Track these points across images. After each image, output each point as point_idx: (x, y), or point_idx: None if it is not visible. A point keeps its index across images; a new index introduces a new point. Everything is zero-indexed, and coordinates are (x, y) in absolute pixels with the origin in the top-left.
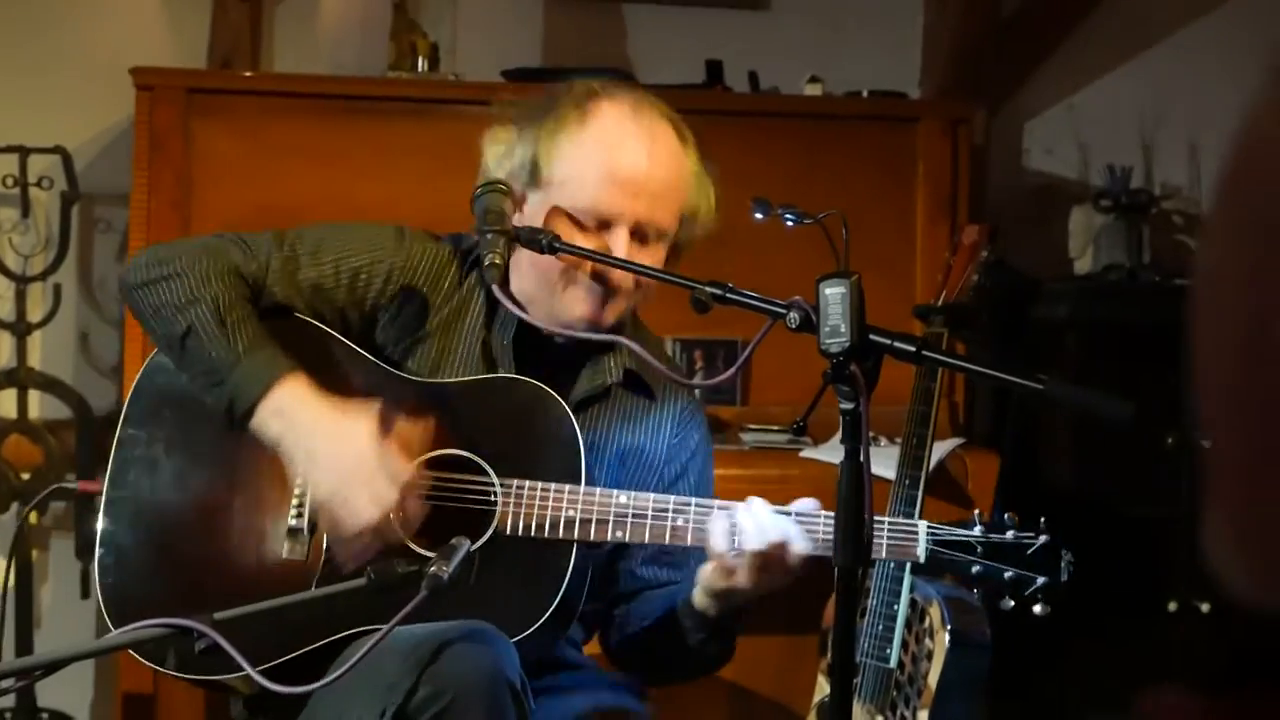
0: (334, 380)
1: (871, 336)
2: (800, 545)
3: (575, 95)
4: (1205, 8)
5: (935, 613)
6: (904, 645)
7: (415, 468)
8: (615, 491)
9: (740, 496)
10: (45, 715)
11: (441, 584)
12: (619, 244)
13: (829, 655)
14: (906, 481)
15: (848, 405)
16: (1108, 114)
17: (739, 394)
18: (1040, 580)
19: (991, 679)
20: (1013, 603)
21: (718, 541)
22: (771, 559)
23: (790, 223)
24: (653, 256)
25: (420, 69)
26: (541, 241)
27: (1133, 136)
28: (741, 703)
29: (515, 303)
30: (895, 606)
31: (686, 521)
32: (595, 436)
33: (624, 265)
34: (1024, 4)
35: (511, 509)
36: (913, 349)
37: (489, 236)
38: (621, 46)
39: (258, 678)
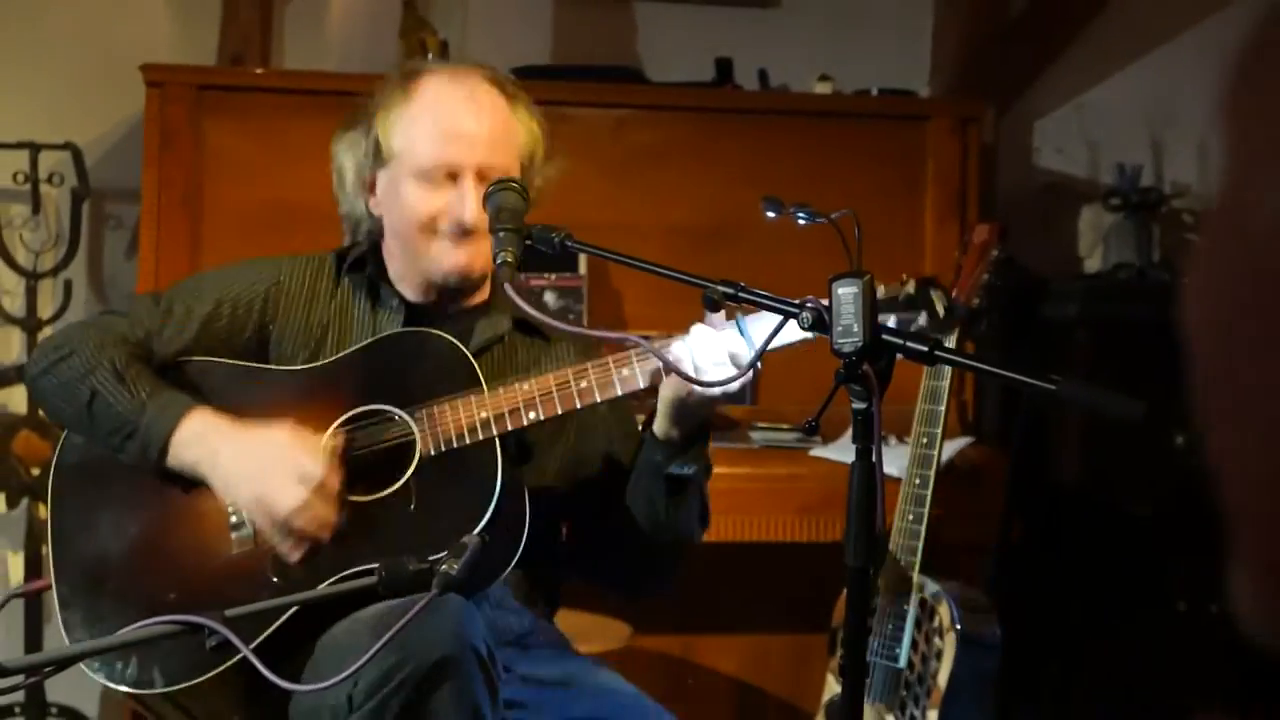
0: (238, 396)
1: (884, 336)
2: (740, 346)
3: (398, 78)
4: (1214, 6)
5: (944, 612)
6: (913, 645)
7: (329, 436)
8: (516, 382)
9: (751, 496)
10: (55, 710)
11: (452, 582)
12: (468, 192)
13: (839, 654)
14: (916, 480)
15: (860, 405)
16: (1117, 112)
17: (749, 393)
18: (921, 317)
19: (1000, 678)
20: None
21: (678, 351)
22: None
23: (803, 221)
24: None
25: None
26: (554, 239)
27: (1142, 135)
28: (750, 701)
29: (524, 300)
30: (905, 606)
31: (590, 381)
32: (498, 378)
33: (638, 264)
34: (1033, 3)
35: (428, 431)
36: (925, 349)
37: (501, 235)
38: (631, 44)
39: (266, 672)
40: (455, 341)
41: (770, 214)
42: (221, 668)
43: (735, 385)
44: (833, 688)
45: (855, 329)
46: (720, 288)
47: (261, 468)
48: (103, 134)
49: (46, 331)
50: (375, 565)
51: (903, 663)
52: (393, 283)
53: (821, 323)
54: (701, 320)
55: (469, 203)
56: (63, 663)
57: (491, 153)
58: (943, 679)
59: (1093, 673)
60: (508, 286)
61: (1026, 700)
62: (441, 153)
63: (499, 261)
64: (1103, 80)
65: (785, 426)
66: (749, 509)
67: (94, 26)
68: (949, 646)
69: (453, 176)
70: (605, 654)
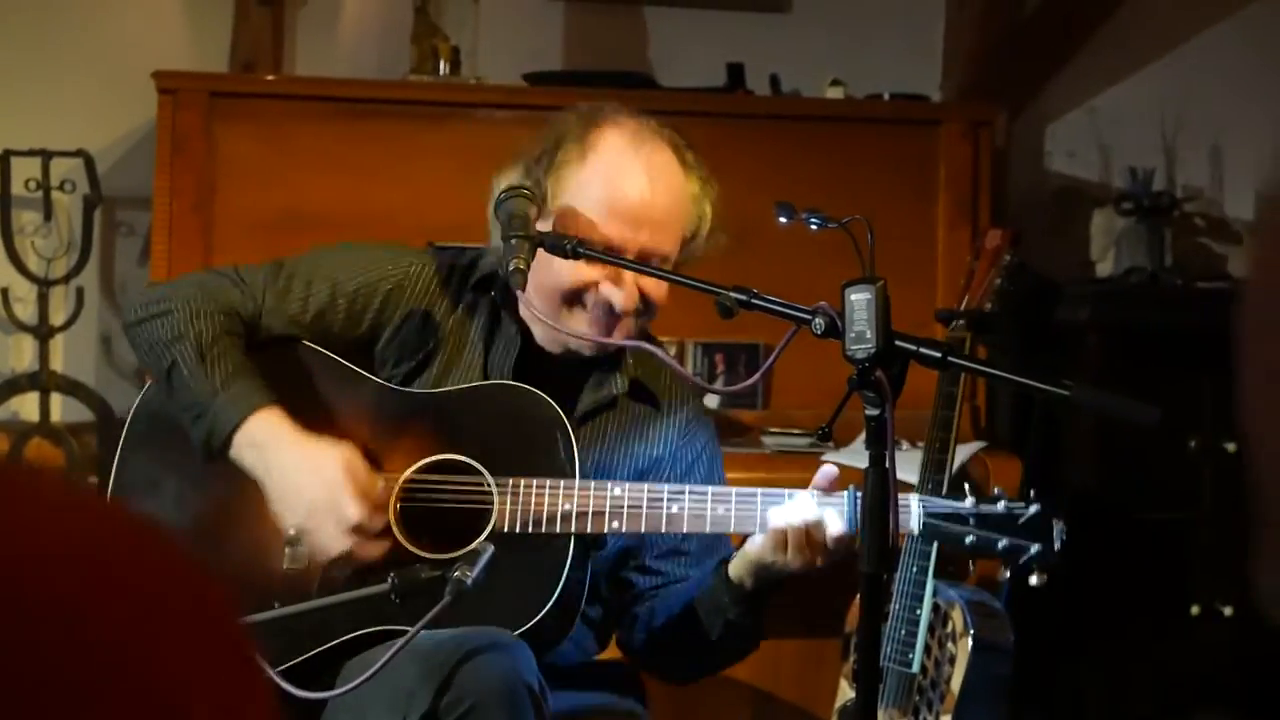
0: (324, 399)
1: (897, 343)
2: (836, 528)
3: (577, 126)
4: (1227, 11)
5: (958, 617)
6: (926, 650)
7: (394, 480)
8: (609, 483)
9: None
10: None
11: (465, 589)
12: (628, 283)
13: (852, 659)
14: (930, 486)
15: (873, 411)
16: (1129, 116)
17: (760, 398)
18: (1034, 548)
19: (1014, 683)
20: (1008, 573)
21: (772, 517)
22: (814, 538)
23: (815, 227)
24: (658, 285)
25: (441, 72)
26: (566, 247)
27: (1154, 139)
28: (763, 706)
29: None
30: (918, 611)
31: (681, 509)
32: (602, 449)
33: (650, 271)
34: (1044, 6)
35: (509, 506)
36: (939, 355)
37: (513, 243)
38: (643, 50)
39: (282, 684)
40: (562, 414)
41: (782, 219)
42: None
43: (828, 535)
44: (846, 693)
45: (868, 335)
46: (733, 294)
47: (314, 504)
48: (115, 141)
49: (58, 340)
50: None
51: (916, 668)
52: (519, 316)
53: (834, 329)
54: (714, 322)
55: (625, 289)
56: None
57: (655, 237)
58: (956, 684)
59: (1106, 677)
60: (520, 295)
61: (1040, 705)
62: (605, 231)
63: (510, 269)
64: (1114, 84)
65: (797, 431)
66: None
67: (106, 34)
68: (962, 652)
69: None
70: (620, 661)
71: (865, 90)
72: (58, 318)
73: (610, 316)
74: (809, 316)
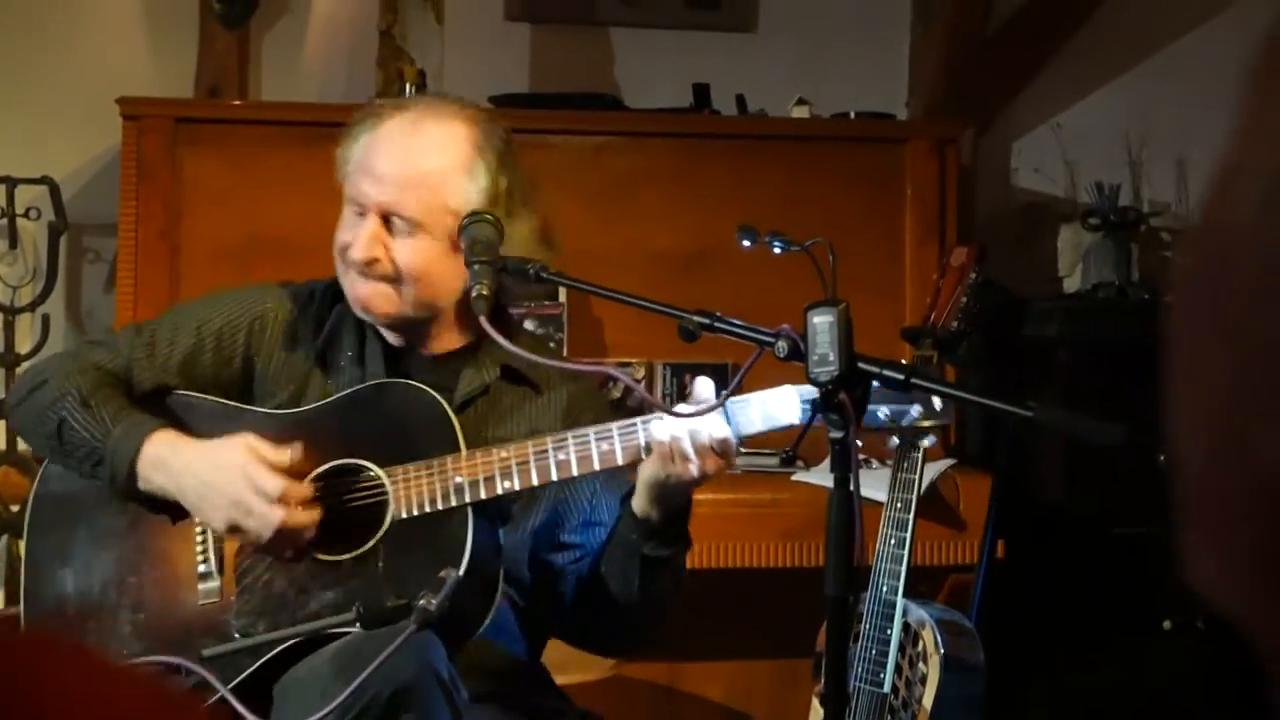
0: (212, 435)
1: (860, 365)
2: (719, 429)
3: (370, 110)
4: (1189, 25)
5: (928, 636)
6: (898, 669)
7: (285, 478)
8: (494, 448)
9: (734, 522)
10: None
11: (431, 616)
12: (364, 231)
13: (823, 680)
14: (898, 504)
15: (837, 434)
16: (1094, 132)
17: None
18: (915, 409)
19: (987, 701)
20: (896, 440)
21: (656, 432)
22: (698, 444)
23: (778, 250)
24: (411, 248)
25: (407, 96)
26: (529, 271)
27: (1120, 154)
28: None
29: (500, 333)
30: (888, 631)
31: (567, 454)
32: (484, 431)
33: (612, 295)
34: (1009, 24)
35: (402, 492)
36: (901, 377)
37: (476, 268)
38: (609, 70)
39: (245, 711)
40: (438, 398)
41: (746, 243)
42: None
43: (709, 436)
44: (818, 712)
45: (831, 358)
46: (696, 318)
47: (228, 493)
48: (80, 167)
49: (24, 367)
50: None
51: (887, 688)
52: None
53: (797, 352)
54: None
55: (360, 237)
56: None
57: (398, 196)
58: (928, 703)
59: (1079, 693)
60: (483, 320)
61: None
62: (356, 187)
63: (475, 294)
64: (1080, 100)
65: (767, 451)
66: (731, 535)
67: (70, 60)
68: (933, 671)
69: (362, 213)
70: (591, 683)
71: (831, 109)
72: (24, 345)
73: (362, 269)
74: (772, 340)
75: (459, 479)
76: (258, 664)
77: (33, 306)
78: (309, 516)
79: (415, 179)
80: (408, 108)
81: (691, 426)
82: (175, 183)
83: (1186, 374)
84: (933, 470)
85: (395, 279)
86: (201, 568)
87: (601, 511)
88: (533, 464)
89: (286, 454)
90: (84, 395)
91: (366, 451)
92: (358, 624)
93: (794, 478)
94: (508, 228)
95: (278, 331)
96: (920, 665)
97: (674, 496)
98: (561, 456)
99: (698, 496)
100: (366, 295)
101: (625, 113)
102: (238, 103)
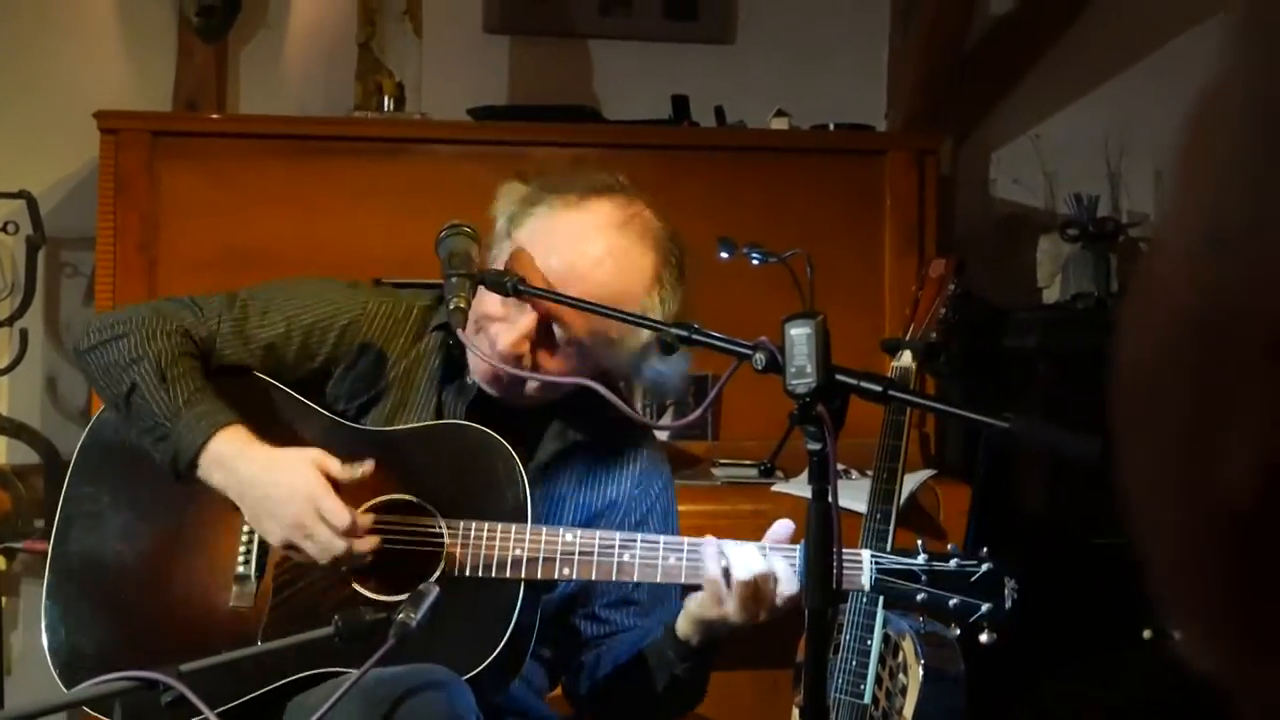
0: (281, 432)
1: (838, 377)
2: (787, 585)
3: (593, 182)
4: (1168, 35)
5: (909, 647)
6: (878, 681)
7: (353, 509)
8: (561, 529)
9: (713, 533)
10: None
11: (410, 631)
12: (522, 326)
13: (803, 691)
14: (878, 515)
15: (815, 446)
16: (1073, 143)
17: (710, 429)
18: (984, 607)
19: (967, 712)
20: (959, 630)
21: (710, 568)
22: (761, 592)
23: (756, 262)
24: (557, 361)
25: (386, 109)
26: (506, 284)
27: (1099, 165)
28: None
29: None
30: (868, 642)
31: (633, 557)
32: (558, 493)
33: (590, 308)
34: (988, 35)
35: (459, 550)
36: (879, 389)
37: (453, 280)
38: (588, 83)
39: None
40: (516, 460)
41: (724, 255)
42: None
43: (779, 593)
44: None
45: (808, 370)
46: (674, 330)
47: (289, 511)
48: (57, 181)
49: (3, 382)
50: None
51: (868, 699)
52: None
53: (775, 364)
54: None
55: (516, 330)
56: None
57: (577, 316)
58: (908, 714)
59: (1059, 704)
60: (461, 333)
61: None
62: (536, 276)
63: (451, 307)
64: (1058, 111)
65: (748, 463)
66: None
67: (47, 74)
68: (914, 682)
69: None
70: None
71: (810, 121)
72: (2, 360)
73: (494, 352)
74: (749, 352)
75: (518, 553)
76: (265, 690)
77: (11, 321)
78: (369, 547)
79: (602, 297)
80: (617, 199)
81: (759, 570)
82: (153, 196)
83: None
84: (912, 481)
85: (525, 378)
86: (240, 569)
87: (641, 591)
88: (596, 558)
89: (357, 472)
90: (162, 365)
91: (432, 493)
92: (336, 638)
93: (774, 489)
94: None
95: (368, 338)
96: (900, 676)
97: (720, 630)
98: (626, 559)
99: (680, 509)
100: (492, 379)
101: (604, 125)
102: (216, 116)
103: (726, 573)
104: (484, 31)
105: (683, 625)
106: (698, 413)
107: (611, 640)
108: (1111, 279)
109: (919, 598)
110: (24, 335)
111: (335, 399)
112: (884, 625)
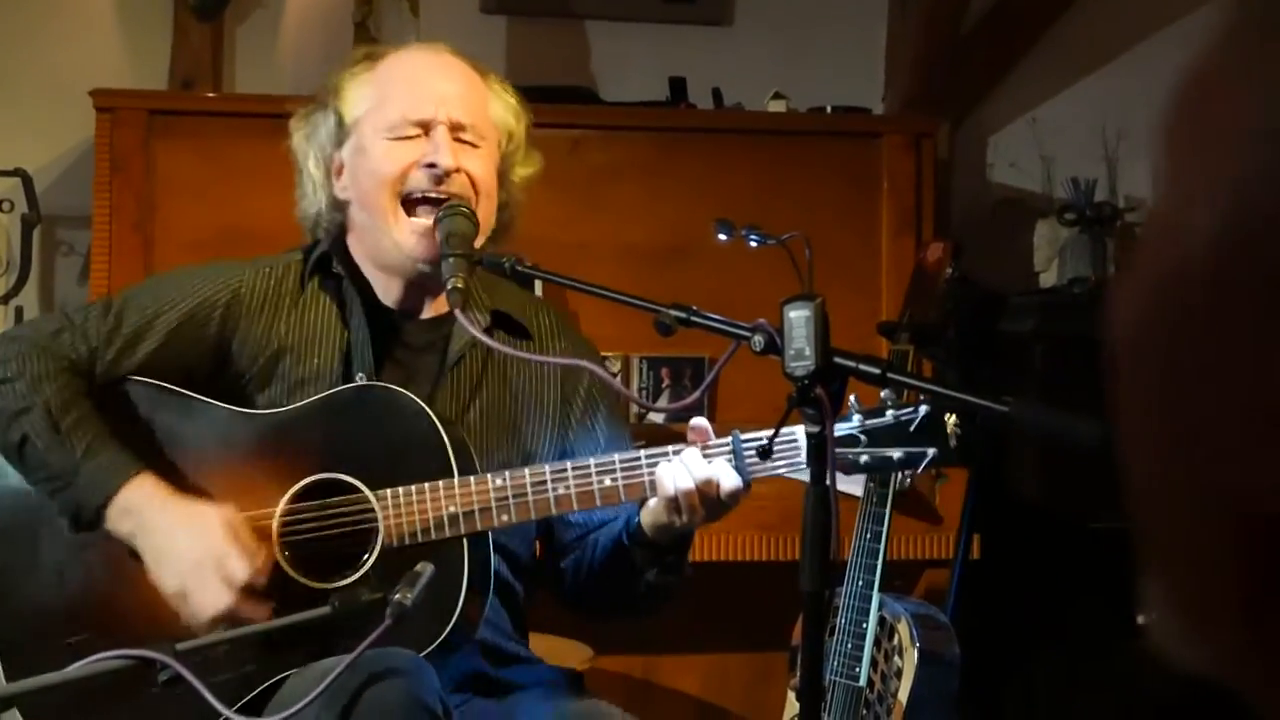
0: (184, 441)
1: (836, 359)
2: (730, 480)
3: (360, 56)
4: (1166, 19)
5: (904, 630)
6: (873, 663)
7: (277, 514)
8: (490, 476)
9: None
10: None
11: (406, 611)
12: (442, 143)
13: (798, 673)
14: (874, 499)
15: (813, 429)
16: (1071, 127)
17: (706, 411)
18: (930, 452)
19: (963, 695)
20: (909, 480)
21: (646, 484)
22: (705, 495)
23: (754, 244)
24: (483, 160)
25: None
26: (504, 264)
27: (1096, 149)
28: (710, 719)
29: (479, 326)
30: (864, 625)
31: (568, 489)
32: (480, 390)
33: (587, 289)
34: (986, 18)
35: (392, 520)
36: (877, 371)
37: (451, 261)
38: (585, 64)
39: (222, 708)
40: (426, 410)
41: (722, 236)
42: None
43: (718, 487)
44: (793, 706)
45: (807, 352)
46: (672, 312)
47: (189, 563)
48: (53, 160)
49: None
50: (331, 599)
51: (863, 681)
52: (365, 279)
53: (773, 346)
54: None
55: (441, 148)
56: (5, 703)
57: (465, 109)
58: (903, 697)
59: (1054, 687)
60: (459, 313)
61: (988, 717)
62: (410, 103)
63: (449, 287)
64: (1056, 95)
65: None
66: (707, 528)
67: (43, 52)
68: (909, 665)
69: (425, 131)
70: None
71: (807, 103)
72: None
73: (437, 183)
74: (748, 334)
75: (453, 509)
76: (263, 687)
77: (6, 299)
78: (257, 613)
79: (474, 96)
80: (404, 49)
81: (700, 475)
82: (149, 175)
83: (1142, 408)
84: None
85: (470, 198)
86: (171, 592)
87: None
88: (531, 498)
89: (274, 500)
90: (54, 414)
91: (352, 465)
92: (333, 619)
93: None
94: (529, 164)
95: (256, 303)
96: (896, 659)
97: (680, 533)
98: (561, 491)
99: None
100: (428, 233)
101: (601, 106)
102: (212, 95)
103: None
104: (481, 12)
105: (647, 523)
106: (695, 395)
107: (587, 540)
108: (1109, 263)
109: (862, 460)
110: (19, 314)
111: (239, 374)
112: (880, 608)
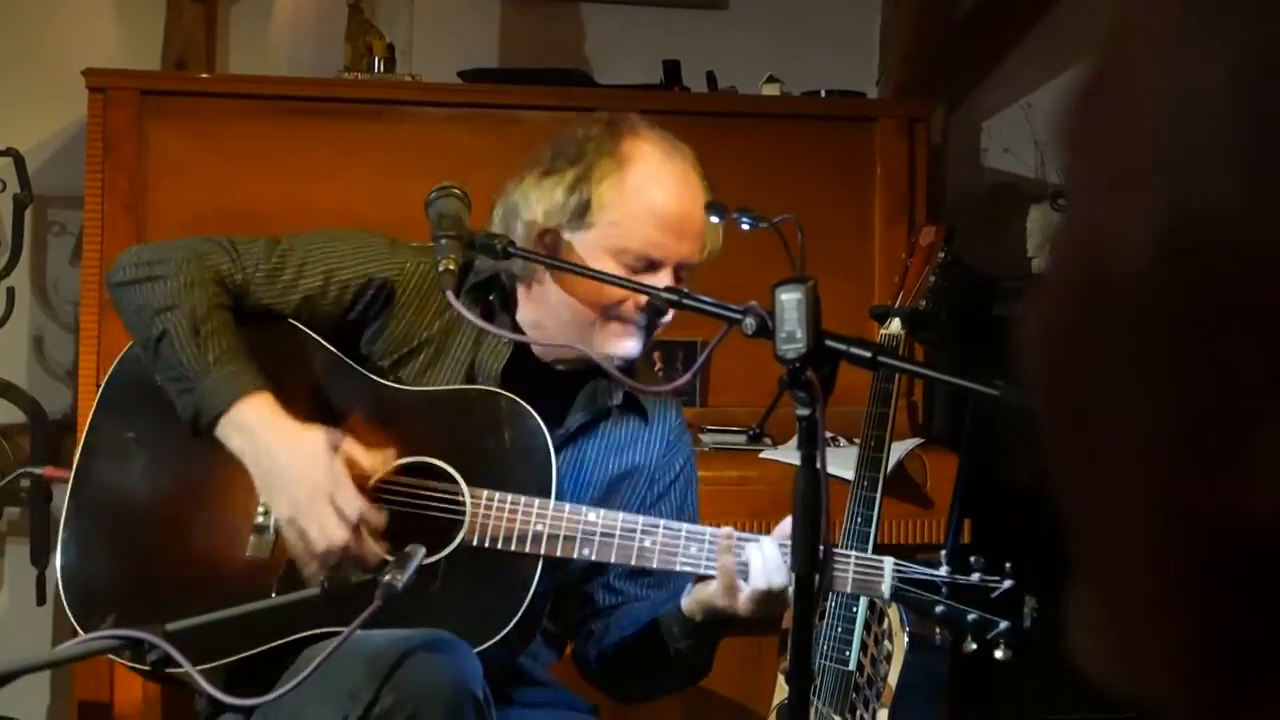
0: (309, 385)
1: (827, 342)
2: None
3: (604, 134)
4: None
5: (894, 615)
6: (863, 647)
7: (369, 503)
8: (584, 508)
9: (703, 500)
10: None
11: (395, 593)
12: (663, 283)
13: (788, 657)
14: (865, 483)
15: (804, 411)
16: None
17: (698, 395)
18: (1003, 625)
19: (952, 680)
20: (975, 645)
21: (728, 563)
22: (774, 596)
23: (746, 227)
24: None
25: (376, 70)
26: (497, 246)
27: None
28: (701, 703)
29: (474, 313)
30: (854, 609)
31: (654, 544)
32: (585, 459)
33: (580, 271)
34: (980, 3)
35: (480, 519)
36: (868, 355)
37: (443, 242)
38: (579, 47)
39: (211, 690)
40: (546, 434)
41: (714, 219)
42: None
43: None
44: (784, 690)
45: (798, 335)
46: (664, 294)
47: (303, 492)
48: (45, 140)
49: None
50: (321, 581)
51: (852, 665)
52: (515, 322)
53: (765, 329)
54: None
55: (665, 291)
56: (5, 678)
57: (694, 247)
58: (893, 681)
59: (1043, 672)
60: (450, 295)
61: (979, 702)
62: (652, 241)
63: (440, 269)
64: (1049, 80)
65: (735, 429)
66: (700, 511)
67: (35, 31)
68: (899, 649)
69: (653, 266)
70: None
71: (801, 87)
72: None
73: (651, 326)
74: (740, 316)
75: (540, 527)
76: (263, 648)
77: None
78: (372, 550)
79: (700, 232)
80: (646, 139)
81: (778, 584)
82: (141, 155)
83: (1067, 424)
84: (900, 449)
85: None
86: (260, 519)
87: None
88: (617, 541)
89: (379, 461)
90: (196, 317)
91: (458, 458)
92: (322, 599)
93: (762, 455)
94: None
95: (405, 295)
96: (885, 643)
97: (726, 616)
98: (647, 544)
99: None
100: (634, 349)
101: (595, 89)
102: (205, 76)
103: (744, 571)
104: None
105: (689, 605)
106: (686, 378)
107: (621, 609)
108: None
109: (938, 609)
110: (10, 294)
111: (369, 354)
112: None
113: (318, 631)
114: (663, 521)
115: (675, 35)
